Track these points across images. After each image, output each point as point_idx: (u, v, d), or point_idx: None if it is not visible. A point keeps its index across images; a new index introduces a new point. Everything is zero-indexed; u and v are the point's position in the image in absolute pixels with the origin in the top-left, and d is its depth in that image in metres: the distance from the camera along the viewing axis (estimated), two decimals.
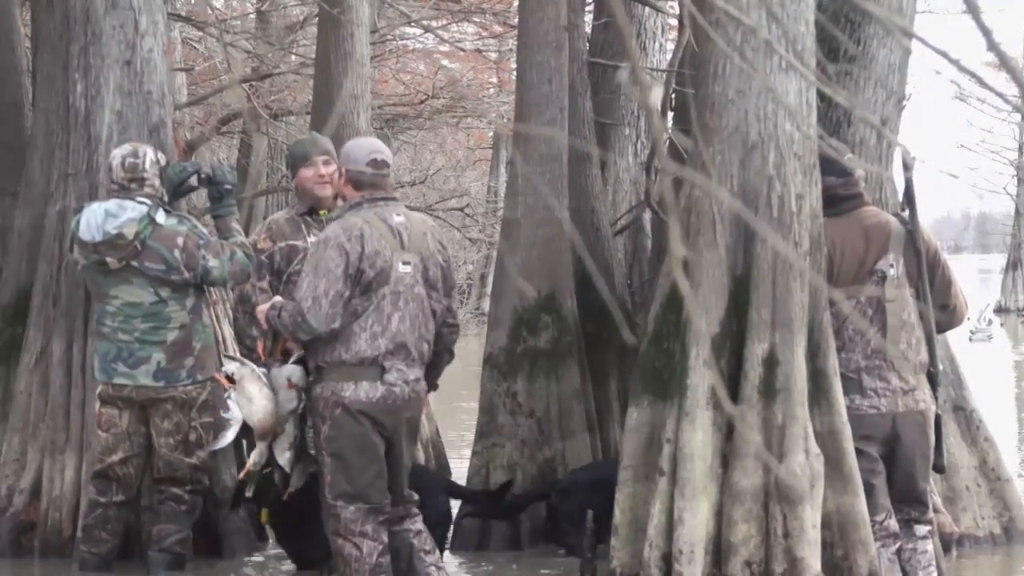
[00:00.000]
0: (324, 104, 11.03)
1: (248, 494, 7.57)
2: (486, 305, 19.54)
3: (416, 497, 7.43)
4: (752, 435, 7.03)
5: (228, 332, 21.11)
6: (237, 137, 23.64)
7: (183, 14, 18.66)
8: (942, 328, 7.58)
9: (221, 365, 7.94)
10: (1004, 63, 3.04)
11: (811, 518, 6.88)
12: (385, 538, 7.18)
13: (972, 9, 3.03)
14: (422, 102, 21.89)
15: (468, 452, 9.54)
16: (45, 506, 8.57)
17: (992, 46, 2.97)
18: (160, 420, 8.08)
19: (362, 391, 7.07)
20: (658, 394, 7.24)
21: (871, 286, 7.24)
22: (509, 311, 9.33)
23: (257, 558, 8.68)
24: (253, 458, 7.38)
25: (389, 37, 21.28)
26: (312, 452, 7.34)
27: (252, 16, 21.30)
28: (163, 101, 8.77)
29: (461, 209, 24.51)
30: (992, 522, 8.74)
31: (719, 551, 6.97)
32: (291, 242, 8.14)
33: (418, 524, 7.37)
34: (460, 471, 10.12)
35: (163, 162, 8.15)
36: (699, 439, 6.98)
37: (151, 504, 8.28)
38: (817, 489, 6.93)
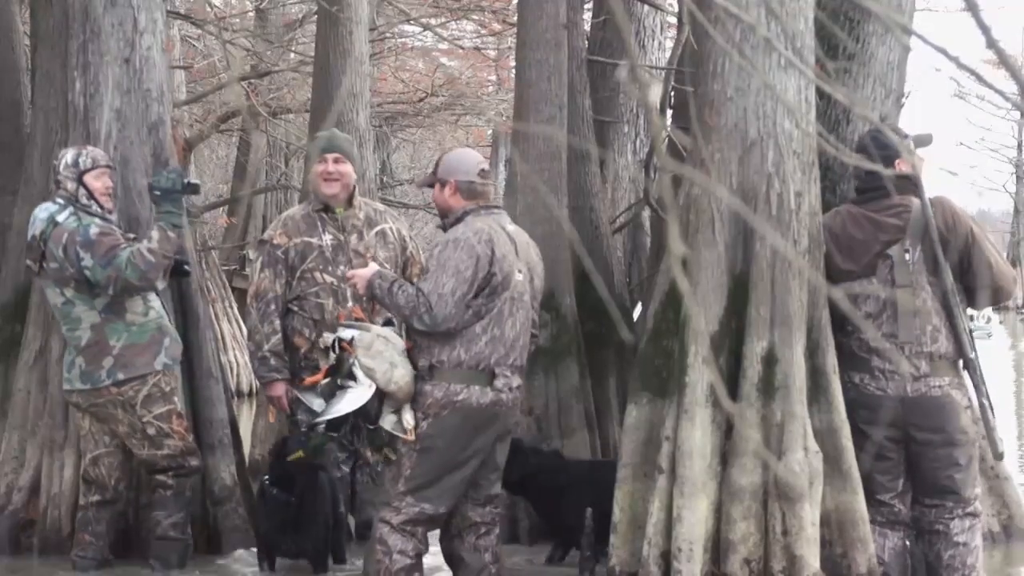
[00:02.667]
0: (323, 102, 11.03)
1: (393, 457, 7.45)
2: None
3: (499, 491, 7.45)
4: (751, 433, 7.02)
5: (227, 329, 20.96)
6: (236, 135, 23.65)
7: (182, 12, 18.66)
8: (982, 304, 7.46)
9: (156, 361, 8.00)
10: (1003, 60, 3.04)
11: (810, 516, 6.88)
12: (427, 547, 7.25)
13: (971, 6, 3.03)
14: (421, 100, 21.90)
15: None
16: (44, 504, 8.57)
17: (991, 43, 2.97)
18: (113, 424, 8.11)
19: (474, 395, 7.08)
20: (657, 392, 7.24)
21: (882, 271, 7.22)
22: None
23: (255, 555, 8.66)
24: (407, 420, 7.15)
25: (388, 35, 21.29)
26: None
27: (251, 14, 21.30)
28: (162, 99, 8.76)
29: None
30: (991, 520, 8.74)
31: (718, 549, 6.97)
32: (306, 238, 8.13)
33: (499, 547, 7.43)
34: None
35: (84, 166, 8.06)
36: (698, 437, 6.98)
37: (149, 500, 8.32)
38: (816, 487, 6.93)
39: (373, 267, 7.33)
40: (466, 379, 7.08)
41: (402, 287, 7.06)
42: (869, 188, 7.35)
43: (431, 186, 7.37)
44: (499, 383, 7.12)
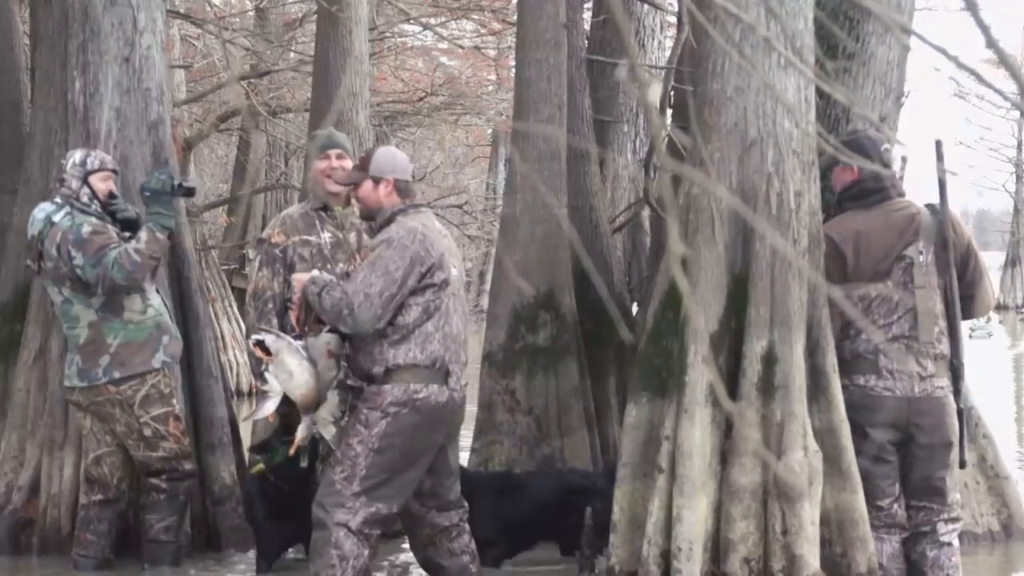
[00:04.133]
0: (323, 101, 11.03)
1: (304, 464, 7.47)
2: (485, 302, 19.55)
3: (466, 504, 7.43)
4: (751, 432, 7.02)
5: (227, 328, 20.97)
6: (236, 134, 23.66)
7: (182, 11, 18.66)
8: (968, 315, 7.49)
9: (154, 359, 8.01)
10: (1003, 60, 3.04)
11: (810, 515, 6.88)
12: (376, 553, 7.21)
13: (971, 6, 3.03)
14: (421, 99, 21.91)
15: (467, 449, 9.52)
16: (44, 503, 8.58)
17: (991, 43, 2.97)
18: (111, 423, 8.12)
19: (432, 394, 7.02)
20: (657, 391, 7.24)
21: (897, 272, 7.24)
22: (508, 308, 9.34)
23: (254, 554, 8.66)
24: (300, 433, 7.12)
25: (388, 34, 21.29)
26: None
27: (251, 13, 21.31)
28: (162, 98, 8.77)
29: (460, 206, 24.53)
30: (991, 519, 8.74)
31: (718, 548, 6.97)
32: (304, 237, 8.12)
33: (472, 544, 7.41)
34: None
35: (91, 167, 8.08)
36: (698, 436, 6.98)
37: (144, 502, 8.32)
38: (816, 486, 6.93)
39: (313, 273, 7.24)
40: (425, 378, 7.02)
41: (330, 291, 6.95)
42: (880, 189, 7.35)
43: (355, 183, 7.22)
44: (452, 381, 7.09)
